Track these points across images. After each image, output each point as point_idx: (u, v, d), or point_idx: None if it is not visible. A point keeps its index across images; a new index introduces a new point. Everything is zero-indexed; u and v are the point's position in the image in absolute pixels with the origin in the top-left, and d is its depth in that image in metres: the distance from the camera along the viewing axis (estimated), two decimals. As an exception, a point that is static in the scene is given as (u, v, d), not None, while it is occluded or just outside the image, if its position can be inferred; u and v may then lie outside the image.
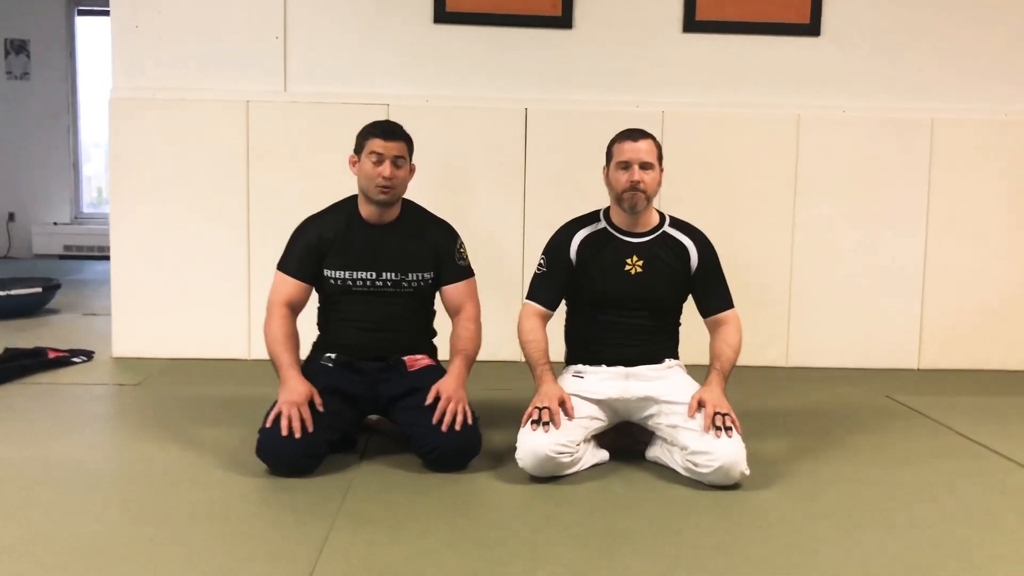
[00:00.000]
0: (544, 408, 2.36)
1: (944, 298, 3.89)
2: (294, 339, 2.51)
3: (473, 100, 3.75)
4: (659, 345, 2.56)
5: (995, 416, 3.15)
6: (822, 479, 2.43)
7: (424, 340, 2.68)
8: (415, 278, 2.57)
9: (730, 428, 2.31)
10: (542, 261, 2.59)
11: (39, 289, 4.79)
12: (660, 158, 2.53)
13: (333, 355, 2.57)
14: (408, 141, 2.56)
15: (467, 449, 2.43)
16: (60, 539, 1.95)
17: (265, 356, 2.47)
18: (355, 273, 2.54)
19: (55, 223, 7.80)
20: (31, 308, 4.74)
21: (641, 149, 2.47)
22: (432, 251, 2.60)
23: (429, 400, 2.42)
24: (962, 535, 2.09)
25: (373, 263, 2.55)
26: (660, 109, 3.76)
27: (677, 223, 2.59)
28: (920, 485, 2.42)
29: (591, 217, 2.61)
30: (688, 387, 2.48)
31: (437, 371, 2.58)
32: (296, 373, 2.43)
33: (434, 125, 3.69)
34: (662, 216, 2.59)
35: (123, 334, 3.75)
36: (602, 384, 2.49)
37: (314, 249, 2.55)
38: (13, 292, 4.66)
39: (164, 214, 3.71)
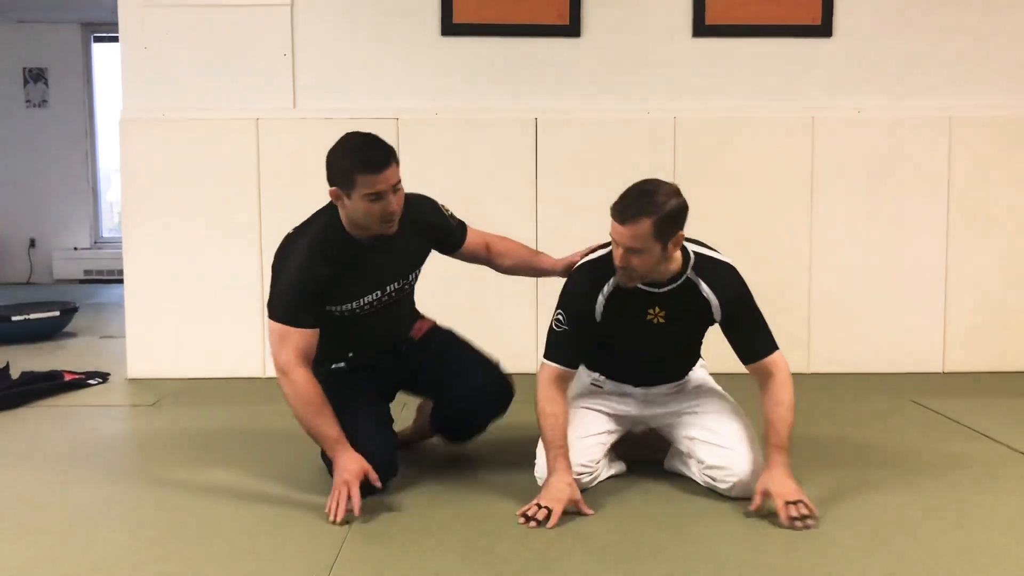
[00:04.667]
0: (544, 507, 2.10)
1: (968, 299, 3.81)
2: (328, 403, 2.21)
3: (482, 111, 3.73)
4: (682, 367, 2.44)
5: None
6: (846, 487, 2.36)
7: (416, 312, 2.59)
8: (415, 274, 2.45)
9: (807, 516, 2.05)
10: (561, 318, 2.25)
11: (57, 313, 4.81)
12: (661, 235, 2.07)
13: (343, 363, 2.43)
14: (395, 155, 2.20)
15: (503, 392, 2.42)
16: (71, 560, 1.93)
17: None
18: (362, 300, 2.33)
19: (75, 248, 7.87)
20: (49, 332, 4.76)
21: (625, 235, 2.07)
22: (426, 237, 2.42)
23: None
24: (995, 542, 2.02)
25: (377, 282, 2.35)
26: (672, 115, 3.72)
27: (702, 267, 2.21)
28: (948, 491, 2.35)
29: (608, 266, 2.21)
30: (708, 390, 2.39)
31: (439, 331, 2.53)
32: (345, 448, 2.18)
33: (444, 137, 3.68)
34: (686, 258, 2.20)
35: (138, 355, 3.75)
36: (620, 403, 2.41)
37: (319, 294, 2.24)
38: (31, 316, 4.68)
39: (176, 233, 3.71)
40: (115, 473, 2.59)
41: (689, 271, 2.20)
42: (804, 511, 2.05)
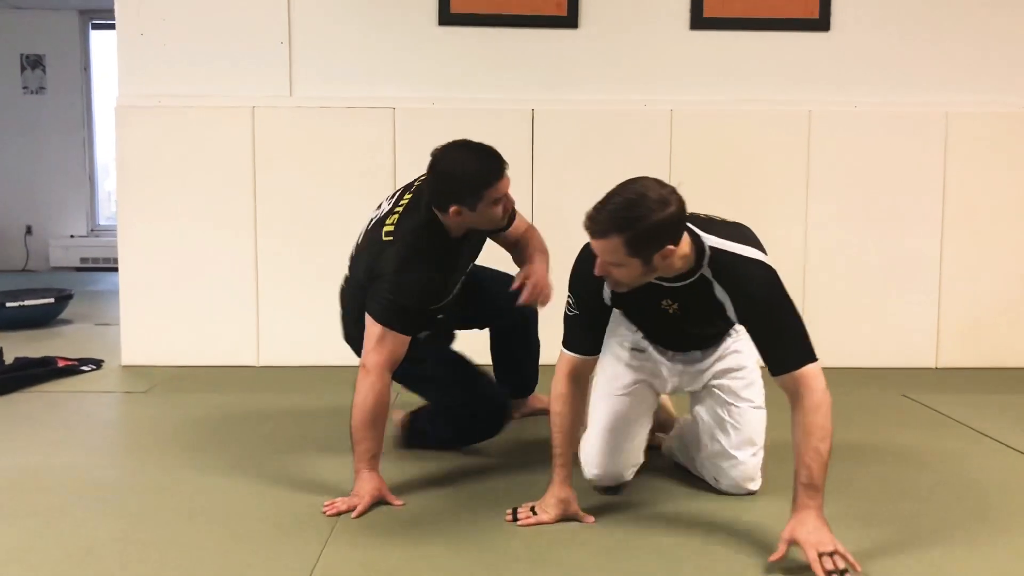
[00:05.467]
0: (532, 513, 2.06)
1: (961, 295, 3.81)
2: (385, 419, 2.22)
3: (479, 102, 3.72)
4: (711, 339, 2.26)
5: (1016, 414, 3.08)
6: (839, 481, 2.34)
7: None
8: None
9: (846, 570, 1.73)
10: (571, 302, 2.08)
11: (52, 300, 4.80)
12: (638, 252, 1.81)
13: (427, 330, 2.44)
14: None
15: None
16: (60, 545, 1.94)
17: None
18: (453, 291, 2.41)
19: (72, 236, 7.85)
20: (44, 318, 4.76)
21: (596, 248, 1.85)
22: None
23: (516, 285, 2.45)
24: (986, 535, 2.03)
25: (462, 271, 2.43)
26: (668, 107, 3.72)
27: (718, 265, 1.93)
28: (941, 486, 2.35)
29: None
30: (742, 370, 2.24)
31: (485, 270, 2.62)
32: (373, 469, 2.18)
33: (440, 127, 3.62)
34: (700, 254, 1.92)
35: (132, 342, 3.75)
36: (660, 371, 2.24)
37: (430, 298, 2.31)
38: (26, 303, 4.67)
39: (171, 221, 3.71)
40: (107, 459, 2.59)
41: (704, 268, 1.92)
42: (841, 564, 1.73)
